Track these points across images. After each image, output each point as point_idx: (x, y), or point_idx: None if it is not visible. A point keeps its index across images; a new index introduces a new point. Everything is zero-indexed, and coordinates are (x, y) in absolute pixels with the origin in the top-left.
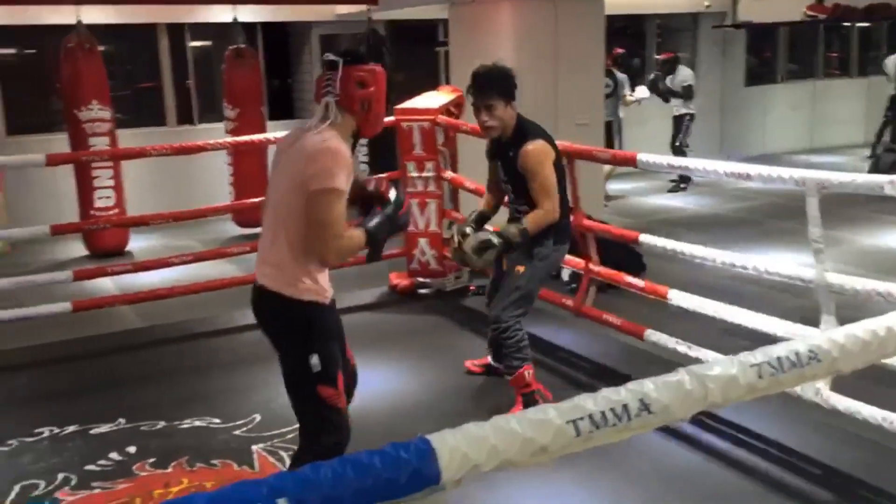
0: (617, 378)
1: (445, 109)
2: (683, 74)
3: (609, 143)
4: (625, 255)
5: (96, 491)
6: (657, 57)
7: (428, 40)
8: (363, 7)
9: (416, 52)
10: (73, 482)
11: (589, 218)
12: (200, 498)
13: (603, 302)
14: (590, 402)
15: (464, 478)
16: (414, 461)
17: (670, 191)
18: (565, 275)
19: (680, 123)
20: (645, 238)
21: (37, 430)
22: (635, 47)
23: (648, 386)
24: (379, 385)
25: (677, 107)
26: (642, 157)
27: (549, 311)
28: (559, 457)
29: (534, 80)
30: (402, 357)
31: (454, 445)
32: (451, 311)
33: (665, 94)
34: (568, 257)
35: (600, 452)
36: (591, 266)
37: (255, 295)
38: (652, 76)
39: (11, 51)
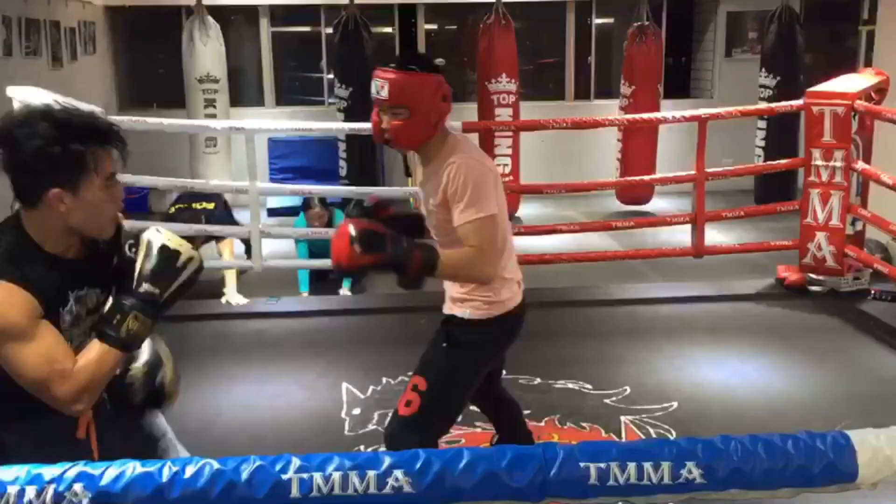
0: None
1: (865, 94)
2: None
3: None
4: None
5: (478, 430)
6: None
7: (848, 18)
8: None
9: (833, 31)
10: (460, 418)
11: None
12: (613, 446)
13: None
14: None
15: (882, 482)
16: (830, 454)
17: None
18: None
19: None
20: None
21: None
22: None
23: None
24: (757, 378)
25: None
26: None
27: None
28: None
29: None
30: (785, 354)
31: (877, 446)
32: (844, 313)
33: None
34: None
35: None
36: None
37: None
38: None
39: (434, 26)
